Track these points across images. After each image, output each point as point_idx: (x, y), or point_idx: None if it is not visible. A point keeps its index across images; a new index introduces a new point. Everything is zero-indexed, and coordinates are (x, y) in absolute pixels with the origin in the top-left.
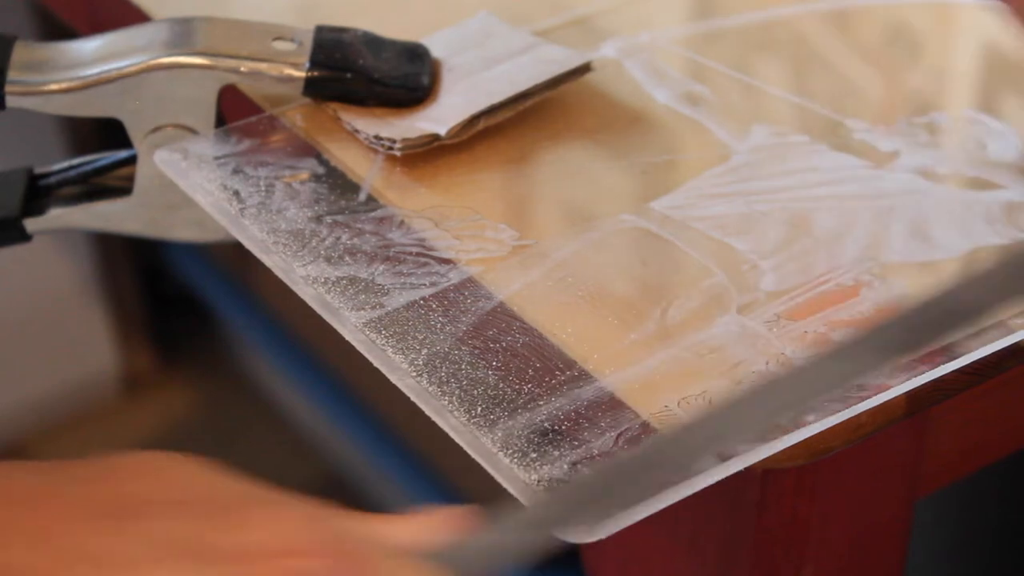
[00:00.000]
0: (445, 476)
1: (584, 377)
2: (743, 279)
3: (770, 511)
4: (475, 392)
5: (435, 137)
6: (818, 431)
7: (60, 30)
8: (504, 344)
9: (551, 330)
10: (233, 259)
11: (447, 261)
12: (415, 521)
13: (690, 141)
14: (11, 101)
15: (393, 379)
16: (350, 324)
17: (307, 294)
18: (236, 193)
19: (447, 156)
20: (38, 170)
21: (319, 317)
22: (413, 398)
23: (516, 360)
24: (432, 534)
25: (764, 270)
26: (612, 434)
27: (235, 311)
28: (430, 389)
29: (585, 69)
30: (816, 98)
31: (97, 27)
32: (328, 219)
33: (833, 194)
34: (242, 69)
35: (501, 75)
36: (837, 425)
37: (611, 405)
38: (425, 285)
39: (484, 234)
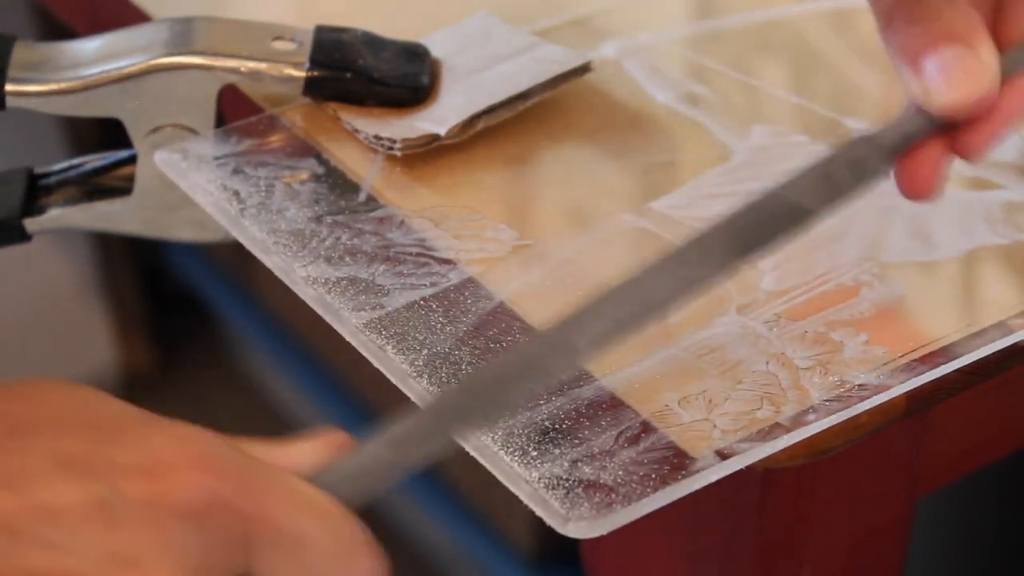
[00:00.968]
0: (445, 476)
1: (584, 376)
2: (743, 279)
3: (770, 511)
4: None
5: (435, 137)
6: (818, 431)
7: (60, 30)
8: (505, 344)
9: None
10: (233, 259)
11: (447, 261)
12: (294, 444)
13: (690, 141)
14: (11, 101)
15: (393, 380)
16: (350, 324)
17: (307, 294)
18: (236, 193)
19: (447, 156)
20: (38, 170)
21: (319, 317)
22: (414, 399)
23: None
24: (311, 457)
25: (764, 270)
26: (612, 432)
27: (235, 311)
28: (431, 389)
29: (585, 69)
30: (816, 98)
31: (97, 27)
32: (328, 219)
33: None
34: (242, 69)
35: (501, 75)
36: (837, 425)
37: (611, 404)
38: (425, 285)
39: (484, 234)
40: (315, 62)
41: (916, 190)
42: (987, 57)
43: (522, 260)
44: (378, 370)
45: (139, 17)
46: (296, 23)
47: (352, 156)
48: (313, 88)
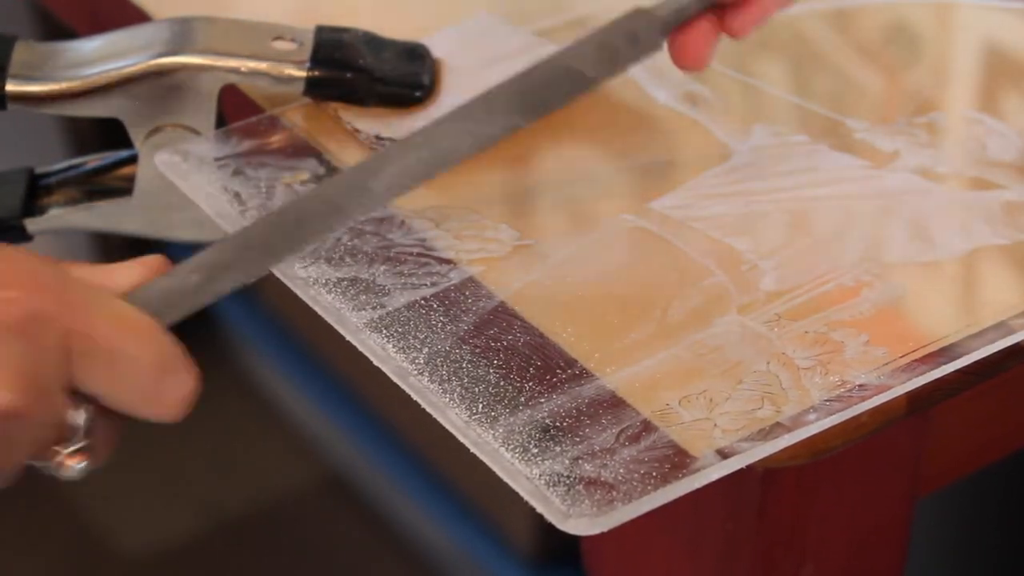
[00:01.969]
0: (445, 476)
1: (585, 375)
2: (743, 279)
3: (770, 511)
4: (476, 390)
5: None
6: (818, 431)
7: (60, 30)
8: (505, 343)
9: (552, 329)
10: None
11: (448, 261)
12: (114, 266)
13: (690, 141)
14: (11, 101)
15: (394, 379)
16: (351, 324)
17: (308, 295)
18: (237, 195)
19: None
20: (38, 170)
21: (320, 317)
22: (415, 396)
23: (517, 359)
24: (129, 278)
25: (764, 270)
26: (614, 430)
27: (236, 311)
28: (431, 388)
29: None
30: (816, 98)
31: (97, 27)
32: None
33: (833, 194)
34: (242, 69)
35: (501, 75)
36: (837, 425)
37: (612, 403)
38: (426, 285)
39: (484, 234)
40: (316, 62)
41: (686, 62)
42: None
43: (522, 260)
44: (379, 369)
45: (139, 17)
46: (296, 23)
47: (353, 156)
48: (314, 88)
